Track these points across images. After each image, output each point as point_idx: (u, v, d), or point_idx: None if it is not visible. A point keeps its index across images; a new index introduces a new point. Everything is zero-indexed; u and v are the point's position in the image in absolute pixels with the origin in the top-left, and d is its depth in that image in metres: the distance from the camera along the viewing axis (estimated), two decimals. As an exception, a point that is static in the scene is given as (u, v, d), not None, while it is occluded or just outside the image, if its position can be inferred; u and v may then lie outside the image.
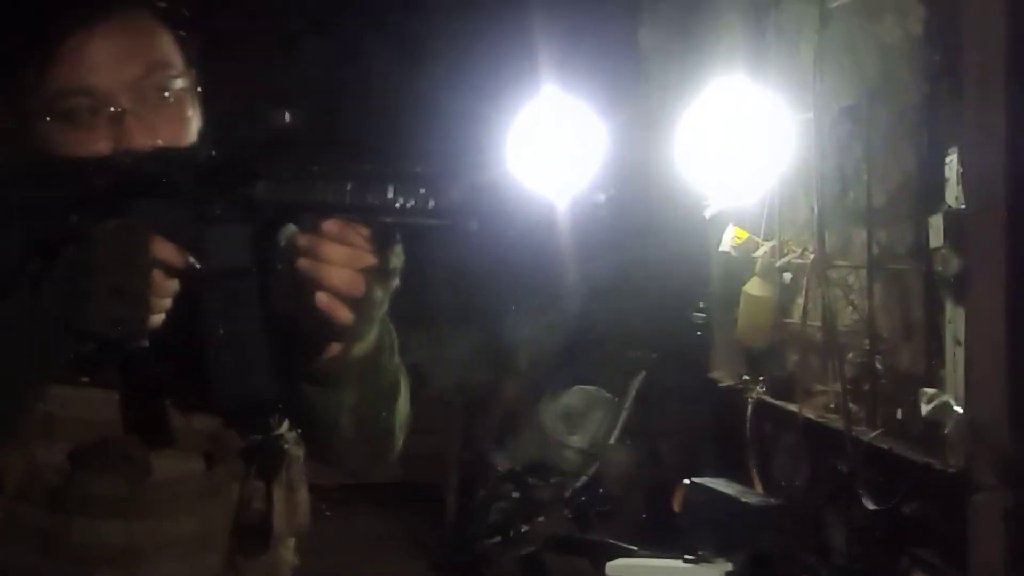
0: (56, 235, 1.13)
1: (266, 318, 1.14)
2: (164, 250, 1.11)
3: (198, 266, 1.12)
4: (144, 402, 1.26)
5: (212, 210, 1.12)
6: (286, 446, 1.36)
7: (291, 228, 1.12)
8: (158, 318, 1.12)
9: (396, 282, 1.15)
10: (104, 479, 1.24)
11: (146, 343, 1.13)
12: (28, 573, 1.25)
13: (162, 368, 1.21)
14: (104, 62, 1.21)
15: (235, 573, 1.34)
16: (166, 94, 1.24)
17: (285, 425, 1.35)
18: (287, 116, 1.10)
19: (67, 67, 1.20)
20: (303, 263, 1.09)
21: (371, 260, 1.10)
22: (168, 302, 1.12)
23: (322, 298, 1.09)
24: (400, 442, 1.39)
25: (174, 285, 1.12)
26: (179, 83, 1.26)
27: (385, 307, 1.18)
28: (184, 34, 1.29)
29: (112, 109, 1.21)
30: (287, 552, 1.41)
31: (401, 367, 1.34)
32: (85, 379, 1.23)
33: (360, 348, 1.20)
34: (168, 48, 1.27)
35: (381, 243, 1.10)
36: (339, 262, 1.08)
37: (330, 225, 1.08)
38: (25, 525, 1.24)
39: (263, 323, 1.14)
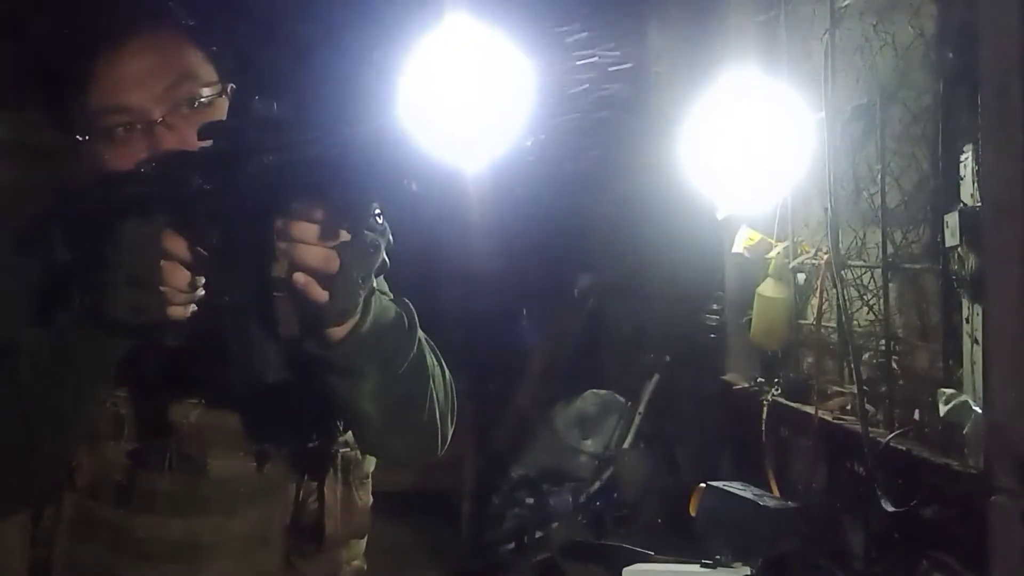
0: (95, 243, 1.18)
1: (269, 304, 1.16)
2: (173, 242, 1.15)
3: (207, 256, 1.15)
4: (195, 401, 1.32)
5: (216, 205, 1.14)
6: (342, 450, 1.39)
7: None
8: (181, 309, 1.16)
9: (380, 259, 1.14)
10: (164, 477, 1.31)
11: (183, 338, 1.18)
12: (98, 568, 1.31)
13: (210, 367, 1.23)
14: (135, 79, 1.27)
15: (293, 571, 1.38)
16: (196, 104, 1.29)
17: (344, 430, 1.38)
18: (274, 105, 1.11)
19: (100, 87, 1.27)
20: (279, 245, 1.11)
21: (343, 236, 1.10)
22: (190, 295, 1.16)
23: (298, 277, 1.10)
24: (445, 432, 1.39)
25: (188, 276, 1.16)
26: (209, 93, 1.31)
27: (371, 284, 1.17)
28: (215, 49, 1.34)
29: (144, 121, 1.26)
30: (349, 554, 1.44)
31: (430, 354, 1.35)
32: (140, 380, 1.28)
33: (362, 328, 1.19)
34: (197, 61, 1.32)
35: (355, 219, 1.10)
36: (310, 240, 1.09)
37: (299, 204, 1.09)
38: (95, 521, 1.31)
39: (268, 309, 1.16)
